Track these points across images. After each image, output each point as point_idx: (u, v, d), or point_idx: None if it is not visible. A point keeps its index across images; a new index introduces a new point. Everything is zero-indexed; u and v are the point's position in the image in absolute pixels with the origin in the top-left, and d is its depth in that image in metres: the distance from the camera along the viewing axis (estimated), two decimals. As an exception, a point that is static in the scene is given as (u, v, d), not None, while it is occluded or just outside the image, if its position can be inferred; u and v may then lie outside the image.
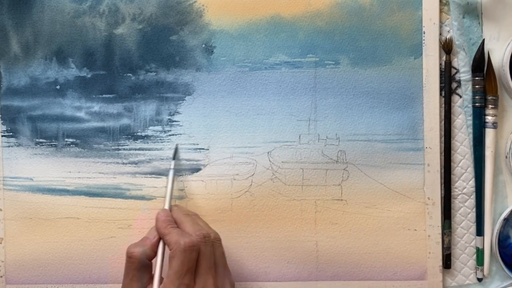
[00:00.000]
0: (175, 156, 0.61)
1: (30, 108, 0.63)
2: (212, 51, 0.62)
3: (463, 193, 0.62)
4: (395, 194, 0.62)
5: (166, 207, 0.58)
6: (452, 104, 0.62)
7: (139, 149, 0.63)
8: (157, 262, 0.54)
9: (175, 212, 0.57)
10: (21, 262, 0.63)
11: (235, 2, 0.62)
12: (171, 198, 0.59)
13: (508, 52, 0.60)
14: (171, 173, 0.60)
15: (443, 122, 0.62)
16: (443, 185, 0.62)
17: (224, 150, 0.62)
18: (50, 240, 0.63)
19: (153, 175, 0.62)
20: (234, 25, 0.62)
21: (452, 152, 0.62)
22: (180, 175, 0.62)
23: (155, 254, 0.55)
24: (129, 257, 0.54)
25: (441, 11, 0.61)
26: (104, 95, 0.62)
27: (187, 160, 0.62)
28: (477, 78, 0.61)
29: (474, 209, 0.62)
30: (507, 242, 0.62)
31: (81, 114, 0.63)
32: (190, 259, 0.51)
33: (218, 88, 0.62)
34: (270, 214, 0.62)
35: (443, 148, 0.62)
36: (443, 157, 0.62)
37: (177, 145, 0.62)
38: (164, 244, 0.54)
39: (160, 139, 0.62)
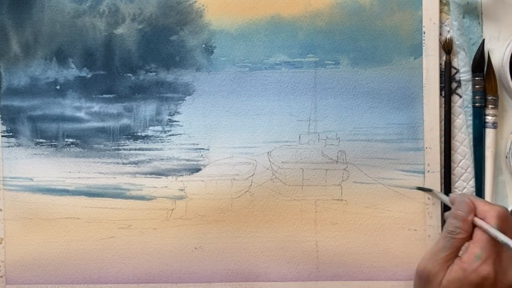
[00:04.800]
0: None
1: (30, 108, 0.63)
2: (212, 51, 0.62)
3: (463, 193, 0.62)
4: (395, 194, 0.62)
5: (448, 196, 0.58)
6: (452, 104, 0.62)
7: (139, 149, 0.63)
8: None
9: (465, 195, 0.57)
10: (21, 262, 0.63)
11: (235, 2, 0.62)
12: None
13: (508, 52, 0.60)
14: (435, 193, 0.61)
15: (443, 122, 0.62)
16: (443, 185, 0.62)
17: (224, 150, 0.62)
18: (50, 240, 0.63)
19: (153, 175, 0.62)
20: (234, 25, 0.62)
21: (452, 152, 0.62)
22: (180, 175, 0.62)
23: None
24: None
25: (441, 11, 0.61)
26: (104, 95, 0.62)
27: (187, 160, 0.62)
28: (477, 78, 0.61)
29: (474, 209, 0.62)
30: (507, 242, 0.62)
31: (81, 114, 0.63)
32: (503, 228, 0.52)
33: (218, 88, 0.62)
34: (270, 214, 0.62)
35: (443, 148, 0.62)
36: (443, 157, 0.62)
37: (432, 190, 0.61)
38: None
39: (160, 139, 0.62)
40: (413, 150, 0.62)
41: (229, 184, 0.62)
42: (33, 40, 0.62)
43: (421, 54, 0.61)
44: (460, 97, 0.62)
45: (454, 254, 0.54)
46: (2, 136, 0.63)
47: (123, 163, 0.63)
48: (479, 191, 0.62)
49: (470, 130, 0.62)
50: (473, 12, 0.61)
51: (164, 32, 0.62)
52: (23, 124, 0.63)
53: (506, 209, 0.54)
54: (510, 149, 0.61)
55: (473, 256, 0.52)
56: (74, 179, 0.63)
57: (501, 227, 0.52)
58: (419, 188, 0.61)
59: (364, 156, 0.62)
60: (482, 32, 0.61)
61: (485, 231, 0.52)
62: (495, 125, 0.61)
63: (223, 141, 0.62)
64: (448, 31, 0.61)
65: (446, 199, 0.58)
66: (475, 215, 0.54)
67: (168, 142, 0.62)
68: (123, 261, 0.62)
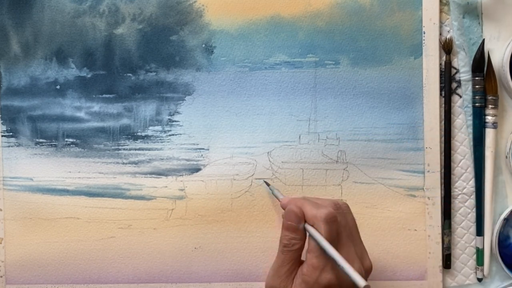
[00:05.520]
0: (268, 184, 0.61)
1: (30, 108, 0.63)
2: (212, 51, 0.62)
3: (463, 193, 0.62)
4: (395, 194, 0.62)
5: (282, 197, 0.57)
6: (452, 104, 0.62)
7: (139, 149, 0.63)
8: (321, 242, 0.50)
9: (294, 199, 0.55)
10: (21, 262, 0.63)
11: (235, 2, 0.62)
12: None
13: (508, 52, 0.60)
14: (267, 186, 0.61)
15: (443, 122, 0.62)
16: (443, 185, 0.62)
17: (224, 150, 0.62)
18: (50, 240, 0.63)
19: (153, 175, 0.62)
20: (234, 25, 0.62)
21: (452, 152, 0.62)
22: (180, 175, 0.62)
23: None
24: (284, 246, 0.52)
25: (441, 11, 0.61)
26: (104, 95, 0.62)
27: (187, 160, 0.62)
28: (477, 78, 0.61)
29: (474, 209, 0.62)
30: (507, 242, 0.62)
31: (81, 114, 0.63)
32: (332, 230, 0.50)
33: (218, 88, 0.62)
34: (270, 214, 0.62)
35: (443, 148, 0.62)
36: (443, 157, 0.62)
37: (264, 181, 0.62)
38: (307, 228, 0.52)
39: (160, 139, 0.62)
40: (413, 150, 0.62)
41: (229, 184, 0.62)
42: (33, 40, 0.62)
43: (421, 54, 0.61)
44: (460, 97, 0.62)
45: (296, 265, 0.52)
46: (2, 136, 0.63)
47: (123, 163, 0.63)
48: (479, 191, 0.62)
49: (470, 130, 0.62)
50: (473, 12, 0.61)
51: (164, 32, 0.62)
52: (23, 124, 0.63)
53: (332, 210, 0.50)
54: (510, 149, 0.61)
55: (311, 267, 0.50)
56: (74, 179, 0.63)
57: (330, 231, 0.49)
58: (265, 182, 0.61)
59: (364, 156, 0.62)
60: (482, 32, 0.61)
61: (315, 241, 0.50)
62: (495, 125, 0.61)
63: (223, 141, 0.62)
64: (448, 31, 0.61)
65: (279, 198, 0.57)
66: (306, 222, 0.52)
67: (168, 142, 0.62)
68: (123, 261, 0.62)
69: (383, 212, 0.62)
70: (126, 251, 0.62)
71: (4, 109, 0.63)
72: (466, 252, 0.62)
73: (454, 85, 0.62)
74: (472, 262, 0.62)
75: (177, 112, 0.62)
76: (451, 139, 0.62)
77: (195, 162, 0.62)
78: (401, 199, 0.62)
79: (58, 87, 0.62)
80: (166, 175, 0.62)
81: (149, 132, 0.62)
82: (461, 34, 0.61)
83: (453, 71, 0.62)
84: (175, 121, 0.62)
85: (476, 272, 0.62)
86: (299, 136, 0.62)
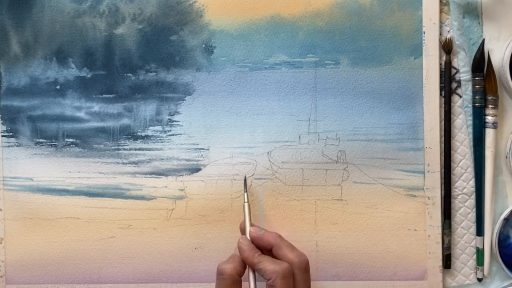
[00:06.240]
0: (246, 188, 0.60)
1: (30, 108, 0.63)
2: (212, 51, 0.62)
3: (463, 193, 0.62)
4: (395, 194, 0.62)
5: (247, 235, 0.58)
6: (452, 104, 0.62)
7: (139, 149, 0.63)
8: None
9: (268, 236, 0.57)
10: (21, 262, 0.63)
11: (235, 2, 0.62)
12: (250, 225, 0.58)
13: (508, 52, 0.60)
14: (246, 206, 0.59)
15: (443, 122, 0.62)
16: (443, 185, 0.62)
17: (224, 150, 0.62)
18: (50, 240, 0.63)
19: (153, 175, 0.62)
20: (234, 25, 0.62)
21: (452, 152, 0.62)
22: (180, 175, 0.62)
23: (245, 269, 0.55)
24: (220, 273, 0.54)
25: (441, 11, 0.61)
26: (104, 95, 0.62)
27: (187, 160, 0.62)
28: (477, 78, 0.61)
29: (474, 209, 0.62)
30: (507, 242, 0.62)
31: (81, 114, 0.63)
32: (289, 285, 0.52)
33: (218, 88, 0.62)
34: (270, 214, 0.62)
35: (443, 148, 0.62)
36: (443, 157, 0.62)
37: (245, 176, 0.61)
38: (254, 271, 0.55)
39: (160, 139, 0.62)
40: (413, 150, 0.62)
41: (229, 184, 0.62)
42: (33, 40, 0.62)
43: (421, 54, 0.61)
44: (460, 97, 0.62)
45: None
46: (2, 136, 0.63)
47: (123, 163, 0.63)
48: (479, 191, 0.62)
49: (470, 130, 0.62)
50: (473, 12, 0.61)
51: (164, 32, 0.62)
52: (23, 124, 0.63)
53: (288, 265, 0.53)
54: (510, 149, 0.61)
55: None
56: (74, 179, 0.63)
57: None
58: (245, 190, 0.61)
59: (364, 156, 0.62)
60: (482, 32, 0.61)
61: None
62: (495, 125, 0.61)
63: (223, 141, 0.62)
64: (448, 31, 0.61)
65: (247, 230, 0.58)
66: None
67: (168, 142, 0.62)
68: (123, 261, 0.63)
69: (383, 212, 0.62)
70: (126, 251, 0.62)
71: (4, 109, 0.63)
72: (466, 252, 0.62)
73: (454, 85, 0.62)
74: (472, 262, 0.62)
75: (177, 112, 0.62)
76: (451, 139, 0.62)
77: (195, 162, 0.62)
78: (401, 199, 0.62)
79: (58, 87, 0.62)
80: (166, 175, 0.62)
81: (149, 132, 0.62)
82: (461, 34, 0.61)
83: (453, 71, 0.62)
84: (175, 121, 0.62)
85: (476, 272, 0.62)
86: (299, 136, 0.62)
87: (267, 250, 0.57)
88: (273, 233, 0.57)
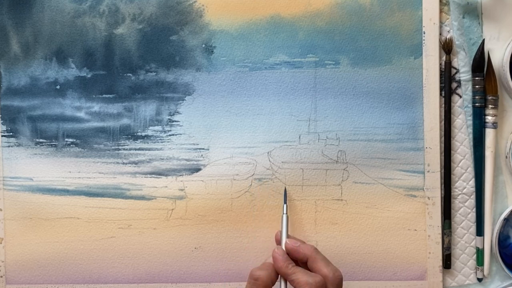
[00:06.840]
0: (285, 200, 0.60)
1: (30, 108, 0.63)
2: (212, 51, 0.62)
3: (463, 193, 0.62)
4: (395, 194, 0.62)
5: (283, 246, 0.57)
6: (452, 104, 0.62)
7: (139, 149, 0.63)
8: None
9: (304, 248, 0.56)
10: (21, 262, 0.63)
11: (235, 2, 0.62)
12: (286, 237, 0.58)
13: (508, 52, 0.60)
14: (284, 218, 0.59)
15: (443, 122, 0.62)
16: (443, 185, 0.62)
17: (224, 150, 0.62)
18: (50, 240, 0.63)
19: (153, 175, 0.62)
20: (234, 25, 0.62)
21: (452, 152, 0.62)
22: (180, 175, 0.62)
23: (277, 278, 0.55)
24: (255, 279, 0.54)
25: (441, 11, 0.61)
26: (104, 95, 0.62)
27: (187, 160, 0.62)
28: (477, 78, 0.61)
29: (474, 209, 0.62)
30: (507, 242, 0.62)
31: (81, 114, 0.63)
32: None
33: (218, 88, 0.62)
34: (270, 214, 0.62)
35: (443, 148, 0.62)
36: (443, 157, 0.62)
37: (285, 187, 0.61)
38: (286, 282, 0.55)
39: (160, 139, 0.62)
40: (413, 150, 0.62)
41: (229, 184, 0.62)
42: (33, 40, 0.62)
43: (421, 54, 0.61)
44: (460, 97, 0.62)
45: None
46: (2, 136, 0.63)
47: (123, 163, 0.63)
48: (479, 191, 0.62)
49: (470, 130, 0.62)
50: (473, 12, 0.61)
51: (164, 32, 0.62)
52: (23, 124, 0.63)
53: (321, 279, 0.53)
54: (510, 149, 0.61)
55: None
56: (74, 179, 0.63)
57: None
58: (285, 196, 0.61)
59: (364, 156, 0.62)
60: (482, 32, 0.61)
61: None
62: (495, 125, 0.61)
63: (223, 141, 0.62)
64: (448, 31, 0.61)
65: (283, 240, 0.58)
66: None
67: (168, 142, 0.62)
68: (123, 261, 0.63)
69: (383, 212, 0.62)
70: (126, 251, 0.62)
71: (4, 109, 0.63)
72: (466, 252, 0.62)
73: (454, 85, 0.62)
74: (472, 262, 0.62)
75: (177, 112, 0.62)
76: (451, 139, 0.62)
77: (195, 162, 0.62)
78: (401, 199, 0.62)
79: (58, 87, 0.62)
80: (166, 175, 0.62)
81: (149, 132, 0.62)
82: (461, 34, 0.61)
83: (453, 71, 0.62)
84: (175, 121, 0.62)
85: (476, 272, 0.62)
86: (299, 136, 0.62)
87: (302, 262, 0.56)
88: (309, 246, 0.57)
